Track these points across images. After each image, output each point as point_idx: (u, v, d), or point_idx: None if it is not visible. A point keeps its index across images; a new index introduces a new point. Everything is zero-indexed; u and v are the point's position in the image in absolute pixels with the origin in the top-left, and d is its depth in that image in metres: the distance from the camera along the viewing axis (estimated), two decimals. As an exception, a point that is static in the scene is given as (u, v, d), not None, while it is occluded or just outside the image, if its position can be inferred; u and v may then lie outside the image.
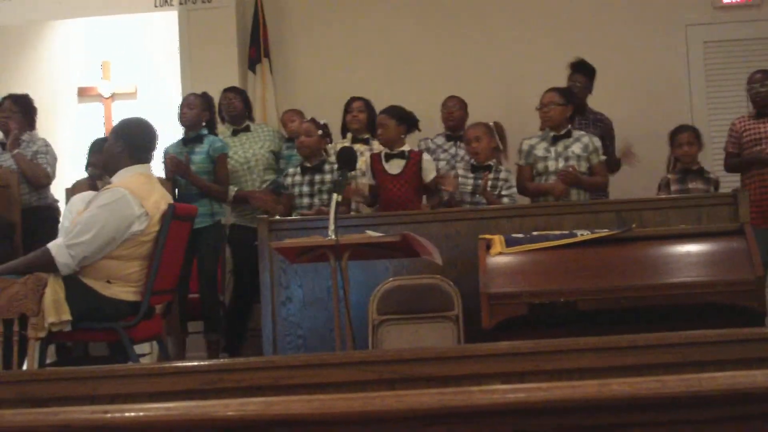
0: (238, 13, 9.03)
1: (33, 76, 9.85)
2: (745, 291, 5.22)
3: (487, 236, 5.67)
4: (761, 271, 5.29)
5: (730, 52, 8.76)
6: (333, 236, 4.74)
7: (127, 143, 5.17)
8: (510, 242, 5.59)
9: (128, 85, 10.00)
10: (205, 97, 7.49)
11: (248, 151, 7.63)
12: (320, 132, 6.75)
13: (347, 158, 5.38)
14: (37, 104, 7.62)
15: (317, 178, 6.71)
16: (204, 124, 7.40)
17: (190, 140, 7.27)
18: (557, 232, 5.69)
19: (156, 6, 9.24)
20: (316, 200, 6.65)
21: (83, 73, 10.03)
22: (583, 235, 5.60)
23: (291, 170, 6.89)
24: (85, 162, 7.31)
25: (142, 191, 5.01)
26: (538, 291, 5.34)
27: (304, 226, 6.12)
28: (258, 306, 7.46)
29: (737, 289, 5.22)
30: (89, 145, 7.36)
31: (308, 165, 6.76)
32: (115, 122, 6.78)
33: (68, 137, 9.36)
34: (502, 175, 6.56)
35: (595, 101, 7.73)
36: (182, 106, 7.34)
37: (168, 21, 9.39)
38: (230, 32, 8.97)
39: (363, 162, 6.79)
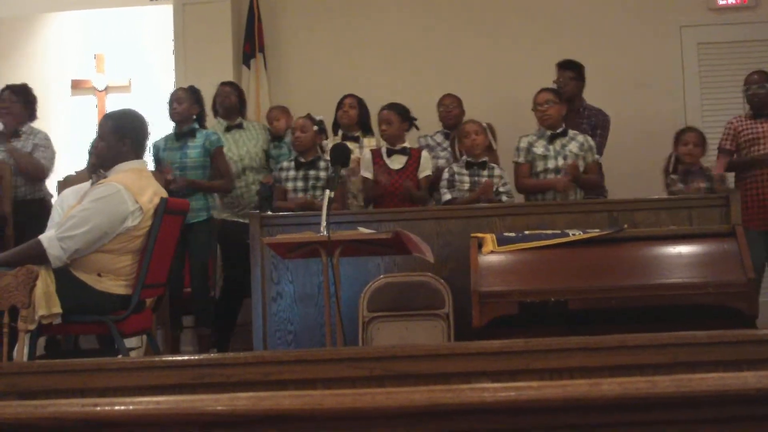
0: (233, 8, 9.02)
1: (27, 68, 9.84)
2: (736, 293, 5.22)
3: (479, 234, 5.67)
4: (752, 273, 5.30)
5: (724, 54, 8.77)
6: (325, 232, 4.74)
7: (133, 141, 5.15)
8: (502, 241, 5.59)
9: (122, 78, 9.99)
10: (193, 91, 7.40)
11: (242, 148, 7.59)
12: (315, 128, 6.75)
13: (340, 154, 5.38)
14: (31, 96, 7.57)
15: (312, 173, 6.70)
16: (194, 117, 7.32)
17: (182, 135, 7.21)
18: (549, 232, 5.69)
19: (151, 0, 9.23)
20: (309, 196, 6.65)
21: (77, 65, 10.03)
22: (575, 234, 5.60)
23: (285, 164, 6.87)
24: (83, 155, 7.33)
25: (137, 186, 5.00)
26: (529, 290, 5.33)
27: (297, 221, 6.11)
28: (248, 301, 7.48)
29: (728, 291, 5.22)
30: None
31: (303, 160, 6.76)
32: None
33: (61, 130, 9.35)
34: (497, 172, 6.59)
35: (589, 102, 7.72)
36: (171, 102, 7.22)
37: (163, 15, 9.39)
38: (225, 27, 8.96)
39: (353, 160, 6.80)
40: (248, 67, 8.98)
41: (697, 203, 6.07)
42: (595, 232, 5.62)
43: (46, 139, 7.46)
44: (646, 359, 2.70)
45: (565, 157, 6.52)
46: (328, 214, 4.81)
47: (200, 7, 8.94)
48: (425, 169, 6.77)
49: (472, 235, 5.70)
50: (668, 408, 1.71)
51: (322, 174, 6.66)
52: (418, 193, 6.66)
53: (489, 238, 5.61)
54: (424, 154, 6.87)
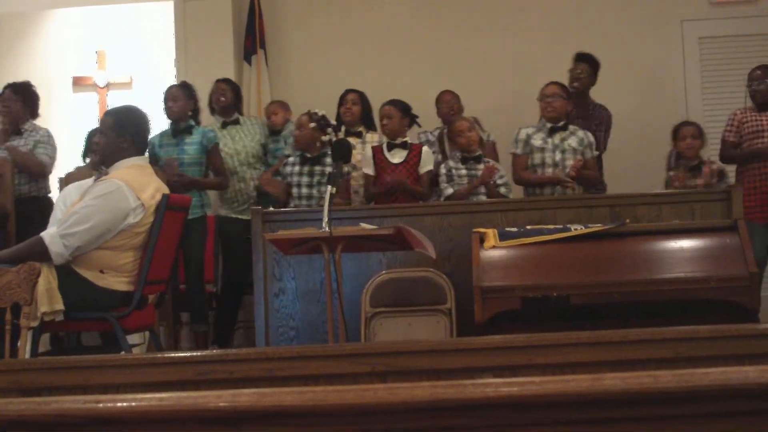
0: (234, 4, 9.01)
1: (28, 64, 9.83)
2: (738, 287, 5.22)
3: (481, 230, 5.68)
4: (754, 267, 5.30)
5: (725, 48, 8.76)
6: (327, 228, 4.74)
7: (134, 137, 5.16)
8: (504, 236, 5.59)
9: (123, 75, 9.99)
10: (186, 87, 7.38)
11: (238, 143, 7.58)
12: (313, 124, 6.71)
13: (341, 150, 5.38)
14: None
15: (317, 169, 6.68)
16: (190, 114, 7.30)
17: (179, 132, 7.19)
18: (551, 227, 5.70)
19: (151, -5, 9.24)
20: (314, 191, 6.65)
21: (78, 62, 10.02)
22: (577, 229, 5.60)
23: (291, 159, 6.84)
24: (82, 151, 7.34)
25: (139, 183, 5.00)
26: (531, 285, 5.34)
27: (299, 217, 6.11)
28: (248, 298, 7.48)
29: (730, 285, 5.23)
30: (88, 134, 7.32)
31: (308, 155, 6.74)
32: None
33: (63, 127, 9.34)
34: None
35: (592, 96, 7.72)
36: (167, 100, 7.21)
37: (164, 11, 9.38)
38: (226, 23, 8.94)
39: (355, 155, 6.81)
40: (249, 63, 8.97)
41: (698, 197, 6.07)
42: (596, 227, 5.62)
43: (48, 135, 7.44)
44: (649, 354, 2.71)
45: (563, 151, 6.54)
46: (329, 210, 4.81)
47: (201, 3, 8.93)
48: (426, 164, 6.78)
49: (474, 230, 5.70)
50: (670, 403, 1.71)
51: (328, 169, 6.63)
52: (419, 189, 6.66)
53: (491, 233, 5.61)
54: (425, 149, 6.89)
